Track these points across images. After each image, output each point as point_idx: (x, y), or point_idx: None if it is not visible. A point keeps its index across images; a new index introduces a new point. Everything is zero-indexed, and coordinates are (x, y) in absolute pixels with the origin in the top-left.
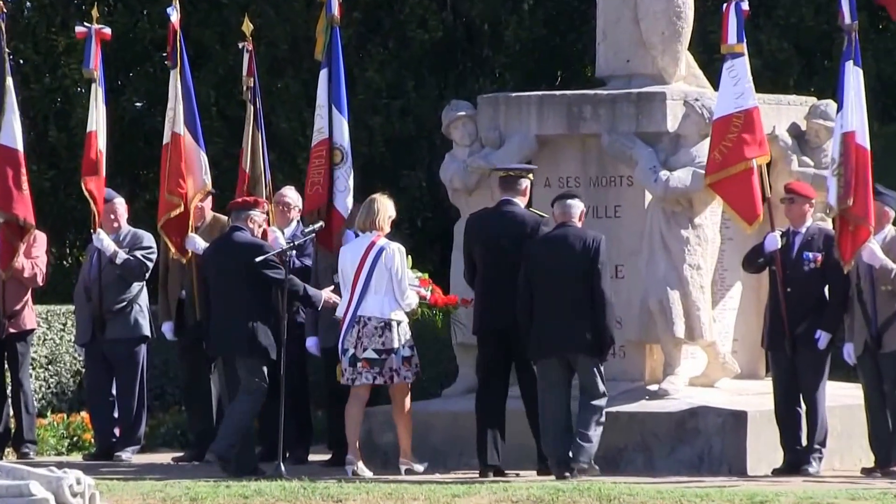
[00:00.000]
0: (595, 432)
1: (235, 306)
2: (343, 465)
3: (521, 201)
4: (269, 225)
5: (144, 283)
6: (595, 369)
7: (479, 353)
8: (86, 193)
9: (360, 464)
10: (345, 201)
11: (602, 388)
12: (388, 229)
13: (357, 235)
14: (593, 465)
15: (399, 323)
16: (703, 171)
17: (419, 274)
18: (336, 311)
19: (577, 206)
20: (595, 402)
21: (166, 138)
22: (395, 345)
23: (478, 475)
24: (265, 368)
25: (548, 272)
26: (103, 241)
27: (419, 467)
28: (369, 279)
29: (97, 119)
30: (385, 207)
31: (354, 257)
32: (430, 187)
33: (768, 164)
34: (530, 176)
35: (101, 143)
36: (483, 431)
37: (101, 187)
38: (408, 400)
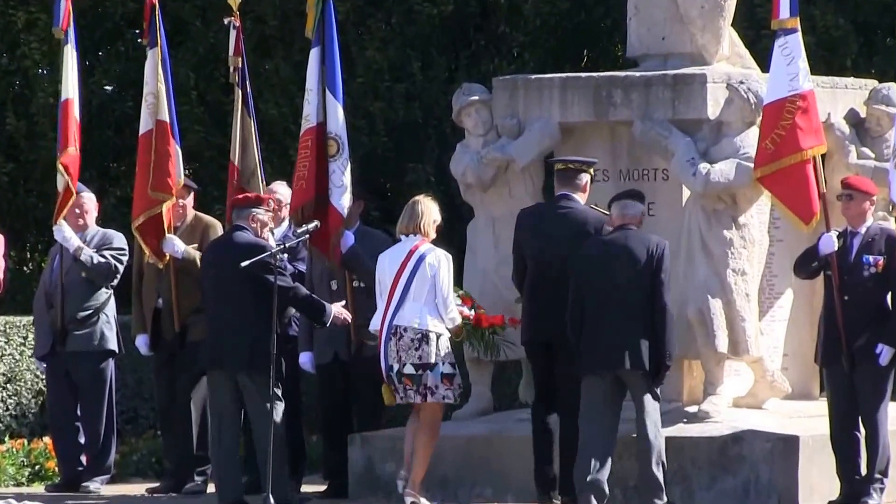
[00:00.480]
0: (659, 465)
1: (237, 315)
2: (341, 496)
3: (580, 198)
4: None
5: (112, 291)
6: (651, 392)
7: (531, 366)
8: (59, 168)
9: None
10: (342, 198)
11: (657, 412)
12: (433, 235)
13: (354, 237)
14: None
15: (438, 336)
16: (748, 164)
17: (461, 291)
18: (370, 325)
19: (638, 207)
20: (651, 431)
21: (147, 125)
22: (433, 359)
23: None
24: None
25: (604, 279)
26: (64, 232)
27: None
28: (408, 287)
29: (72, 85)
30: (430, 210)
31: (393, 264)
32: (440, 183)
33: (823, 157)
34: (591, 170)
35: (77, 112)
36: (540, 452)
37: (77, 164)
38: (438, 424)
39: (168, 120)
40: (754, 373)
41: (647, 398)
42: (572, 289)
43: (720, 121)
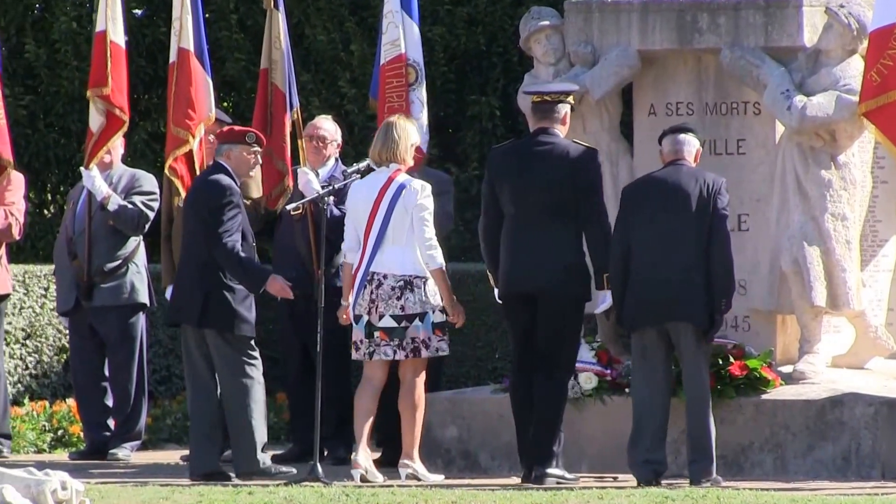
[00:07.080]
0: (712, 436)
1: (198, 264)
2: (393, 465)
3: (560, 131)
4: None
5: (142, 238)
6: (703, 348)
7: (510, 326)
8: (97, 105)
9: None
10: (422, 130)
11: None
12: (410, 162)
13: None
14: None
15: (425, 281)
16: (849, 96)
17: (596, 344)
18: (341, 256)
19: (692, 143)
20: (702, 391)
21: (172, 56)
22: (419, 309)
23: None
24: (251, 345)
25: (651, 220)
26: (94, 179)
27: (431, 476)
28: (386, 226)
29: (104, 15)
30: (407, 133)
31: (368, 197)
32: (506, 116)
33: None
34: (571, 100)
35: (116, 39)
36: (521, 425)
37: (120, 94)
38: (420, 380)
39: (192, 48)
40: (855, 329)
41: (699, 356)
42: (616, 235)
43: (818, 49)
